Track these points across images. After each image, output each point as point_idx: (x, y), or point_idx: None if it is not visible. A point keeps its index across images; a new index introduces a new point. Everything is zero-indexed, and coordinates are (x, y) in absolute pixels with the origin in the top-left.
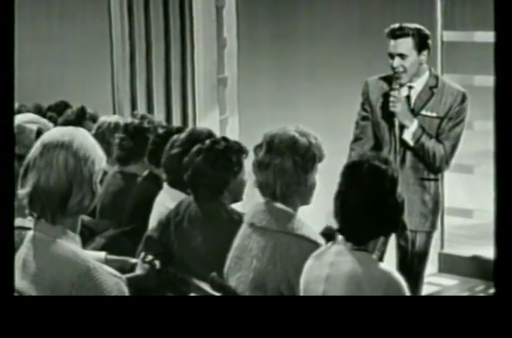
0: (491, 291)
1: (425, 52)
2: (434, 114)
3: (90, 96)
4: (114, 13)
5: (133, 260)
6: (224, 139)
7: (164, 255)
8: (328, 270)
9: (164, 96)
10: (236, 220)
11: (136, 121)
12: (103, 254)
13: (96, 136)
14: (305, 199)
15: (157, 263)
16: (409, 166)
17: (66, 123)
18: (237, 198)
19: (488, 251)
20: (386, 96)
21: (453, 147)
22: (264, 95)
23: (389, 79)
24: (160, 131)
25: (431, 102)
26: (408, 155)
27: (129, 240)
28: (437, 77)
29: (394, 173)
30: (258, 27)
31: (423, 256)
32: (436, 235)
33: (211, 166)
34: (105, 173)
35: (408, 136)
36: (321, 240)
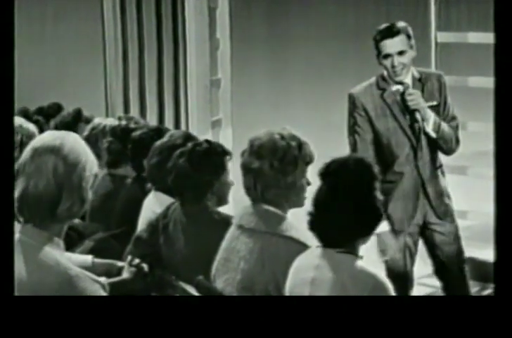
0: (486, 292)
1: (414, 48)
2: (434, 102)
3: (83, 97)
4: (107, 14)
5: (120, 264)
6: (207, 141)
7: (152, 257)
8: (313, 273)
9: (157, 98)
10: (221, 222)
11: (123, 123)
12: (89, 257)
13: (89, 137)
14: (294, 202)
15: (144, 266)
16: (428, 159)
17: (61, 125)
18: (221, 201)
19: (483, 253)
20: (401, 96)
21: (457, 126)
22: (258, 96)
23: (378, 84)
24: (134, 135)
25: (425, 93)
26: (425, 148)
27: (117, 243)
28: (417, 70)
29: (373, 175)
30: (252, 29)
31: (460, 239)
32: None
33: (193, 168)
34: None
35: (430, 128)
36: (309, 242)
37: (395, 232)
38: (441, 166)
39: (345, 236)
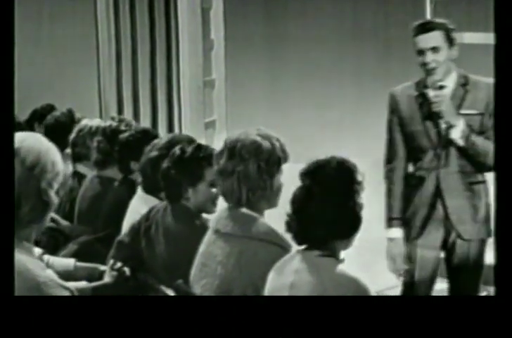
0: (481, 294)
1: (455, 47)
2: (474, 111)
3: (77, 98)
4: (100, 15)
5: (103, 268)
6: (197, 146)
7: (134, 261)
8: (293, 277)
9: (150, 99)
10: (201, 226)
11: (114, 124)
12: (72, 261)
13: (77, 139)
14: (272, 202)
15: (126, 270)
16: (456, 171)
17: (58, 125)
18: (202, 208)
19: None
20: (423, 98)
21: None
22: (253, 97)
23: (417, 85)
24: (121, 138)
25: (467, 100)
26: (453, 158)
27: (102, 246)
28: (464, 75)
29: (353, 178)
30: (248, 28)
31: (479, 267)
32: None
33: (168, 172)
34: (82, 177)
35: (457, 135)
36: (287, 244)
37: (409, 239)
38: (473, 183)
39: (322, 238)
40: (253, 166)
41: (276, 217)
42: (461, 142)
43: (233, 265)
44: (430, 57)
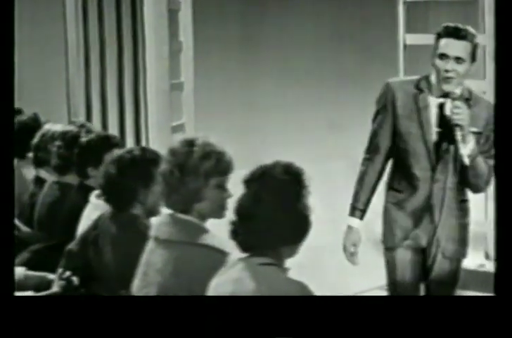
0: None
1: (474, 63)
2: (474, 129)
3: (44, 101)
4: (69, 17)
5: (52, 277)
6: (142, 148)
7: (83, 270)
8: (232, 286)
9: (118, 102)
10: (146, 234)
11: (74, 129)
12: (22, 270)
13: (39, 144)
14: (207, 212)
15: (74, 279)
16: (449, 187)
17: (20, 129)
18: (152, 211)
19: (467, 260)
20: (440, 107)
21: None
22: (223, 100)
23: (417, 84)
24: (81, 142)
25: (469, 116)
26: (450, 174)
27: (55, 254)
28: (468, 89)
29: (301, 182)
30: (219, 30)
31: (455, 281)
32: None
33: (118, 174)
34: (44, 182)
35: (466, 152)
36: (228, 249)
37: (389, 245)
38: (464, 201)
39: (268, 245)
40: (168, 169)
41: (216, 223)
42: (466, 160)
43: (170, 272)
44: (451, 65)
